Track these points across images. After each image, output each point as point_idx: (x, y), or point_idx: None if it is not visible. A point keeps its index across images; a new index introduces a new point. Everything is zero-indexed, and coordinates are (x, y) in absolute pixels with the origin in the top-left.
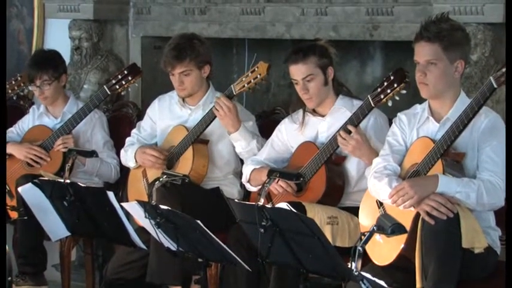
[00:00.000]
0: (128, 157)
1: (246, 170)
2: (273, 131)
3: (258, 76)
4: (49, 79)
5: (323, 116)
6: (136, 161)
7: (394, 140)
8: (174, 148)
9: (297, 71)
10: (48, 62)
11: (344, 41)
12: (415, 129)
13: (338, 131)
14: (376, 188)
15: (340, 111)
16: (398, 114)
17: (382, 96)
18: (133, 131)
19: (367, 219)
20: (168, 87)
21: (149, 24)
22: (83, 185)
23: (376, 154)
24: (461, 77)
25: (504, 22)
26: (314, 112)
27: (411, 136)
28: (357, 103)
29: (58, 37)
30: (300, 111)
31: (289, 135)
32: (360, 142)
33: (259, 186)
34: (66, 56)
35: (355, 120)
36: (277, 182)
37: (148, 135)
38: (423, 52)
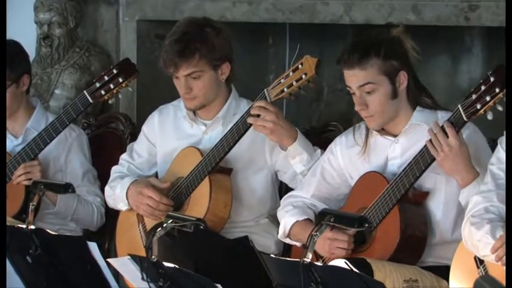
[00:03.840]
0: (116, 197)
1: (286, 222)
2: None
3: (304, 76)
4: None
5: (395, 135)
6: (129, 202)
7: (499, 170)
8: (183, 180)
9: (352, 78)
10: None
11: (428, 27)
12: None
13: (416, 156)
14: (473, 238)
15: (419, 128)
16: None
17: (478, 106)
18: (123, 156)
19: (460, 282)
20: (174, 94)
21: (148, 4)
22: (53, 233)
23: (475, 174)
24: None
25: None
26: (382, 130)
27: None
28: (444, 116)
29: (19, 22)
30: (363, 126)
31: (346, 161)
32: (456, 151)
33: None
34: (31, 49)
35: None
36: (331, 237)
37: (144, 163)
38: None
